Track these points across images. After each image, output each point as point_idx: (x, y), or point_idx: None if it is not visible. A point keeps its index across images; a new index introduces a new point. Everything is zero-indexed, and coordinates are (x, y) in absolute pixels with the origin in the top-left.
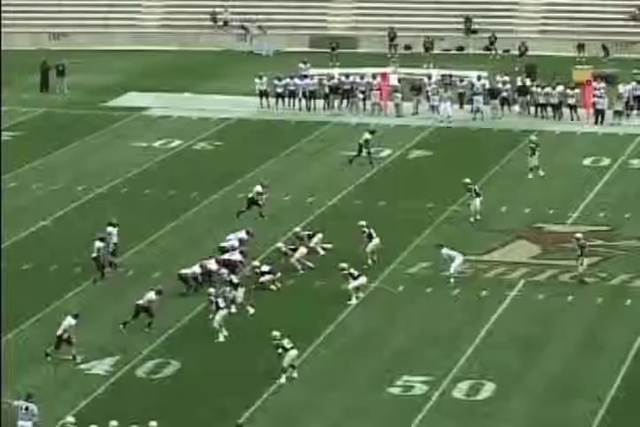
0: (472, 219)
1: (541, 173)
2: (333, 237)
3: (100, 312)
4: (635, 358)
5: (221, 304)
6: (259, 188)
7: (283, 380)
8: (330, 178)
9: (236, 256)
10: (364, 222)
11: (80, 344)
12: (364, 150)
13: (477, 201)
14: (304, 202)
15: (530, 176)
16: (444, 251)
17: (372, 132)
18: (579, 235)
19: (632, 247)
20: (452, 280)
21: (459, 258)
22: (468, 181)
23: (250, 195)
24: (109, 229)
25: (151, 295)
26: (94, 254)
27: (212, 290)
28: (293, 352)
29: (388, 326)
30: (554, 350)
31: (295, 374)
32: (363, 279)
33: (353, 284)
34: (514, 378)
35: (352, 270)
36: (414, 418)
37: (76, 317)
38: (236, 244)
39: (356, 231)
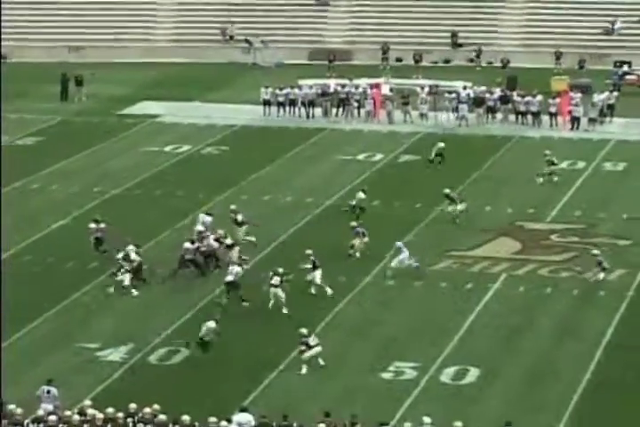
0: (457, 220)
1: (555, 178)
2: (331, 234)
3: (115, 305)
4: (607, 345)
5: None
6: (361, 194)
7: (304, 370)
8: (327, 180)
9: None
10: (354, 223)
11: (96, 334)
12: (439, 157)
13: (460, 207)
14: (304, 202)
15: (540, 180)
16: (399, 243)
17: (443, 141)
18: (595, 251)
19: (605, 244)
20: (388, 272)
21: (404, 254)
22: (447, 191)
23: (353, 202)
24: (93, 225)
25: (238, 270)
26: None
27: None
28: (317, 349)
29: (380, 316)
30: (533, 337)
31: (322, 362)
32: (318, 349)
33: (308, 353)
34: (496, 364)
35: (310, 339)
36: (405, 401)
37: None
38: (202, 228)
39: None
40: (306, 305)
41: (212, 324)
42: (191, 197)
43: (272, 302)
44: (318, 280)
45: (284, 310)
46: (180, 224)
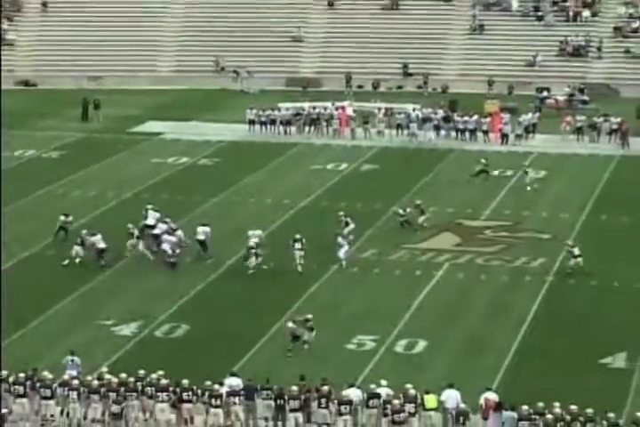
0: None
1: (535, 186)
2: (304, 229)
3: (127, 288)
4: (532, 321)
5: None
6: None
7: (306, 346)
8: (302, 185)
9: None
10: (342, 213)
11: (111, 313)
12: (484, 173)
13: (422, 218)
14: (282, 203)
15: (528, 188)
16: (340, 240)
17: (486, 159)
18: (568, 242)
19: (529, 237)
20: (344, 264)
21: (345, 247)
22: (418, 202)
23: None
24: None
25: (259, 233)
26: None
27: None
28: (314, 333)
29: (345, 297)
30: (470, 315)
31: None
32: (313, 333)
33: (308, 336)
34: (440, 336)
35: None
36: (366, 367)
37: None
38: (153, 222)
39: (322, 225)
40: (284, 288)
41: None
42: (190, 200)
43: (300, 265)
44: (299, 259)
45: (299, 269)
46: (181, 221)
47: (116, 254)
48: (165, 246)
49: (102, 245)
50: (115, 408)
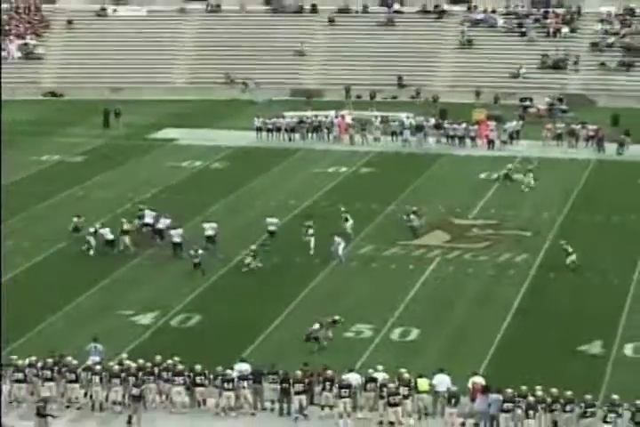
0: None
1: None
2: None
3: (145, 281)
4: (516, 311)
5: None
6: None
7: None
8: (305, 187)
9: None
10: (343, 208)
11: (131, 304)
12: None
13: (417, 221)
14: (287, 204)
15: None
16: (337, 238)
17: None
18: (562, 241)
19: (513, 235)
20: (342, 259)
21: (342, 244)
22: (414, 208)
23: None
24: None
25: (275, 219)
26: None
27: None
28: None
29: (345, 289)
30: (459, 305)
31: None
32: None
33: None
34: (432, 325)
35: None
36: (364, 353)
37: None
38: (151, 220)
39: (323, 222)
40: (289, 281)
41: None
42: (203, 200)
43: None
44: (311, 243)
45: (312, 252)
46: (196, 219)
47: (133, 250)
48: (176, 239)
49: (110, 236)
50: (134, 391)
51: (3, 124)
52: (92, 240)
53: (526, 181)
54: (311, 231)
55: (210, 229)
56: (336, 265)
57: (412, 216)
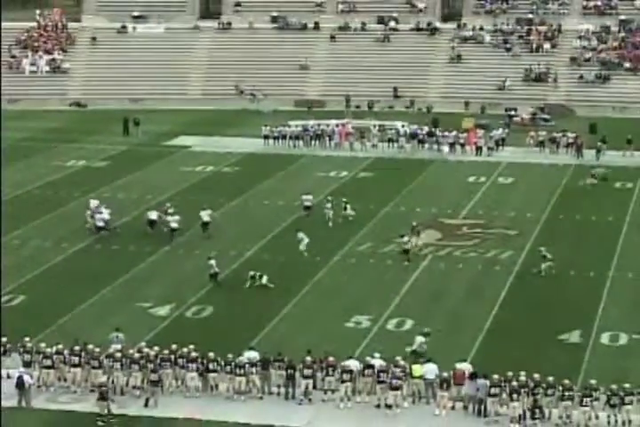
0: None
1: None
2: (311, 226)
3: (162, 276)
4: (502, 303)
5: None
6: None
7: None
8: (309, 189)
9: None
10: (344, 199)
11: (149, 296)
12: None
13: (415, 239)
14: (293, 204)
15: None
16: (300, 234)
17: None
18: (541, 248)
19: (499, 233)
20: (305, 254)
21: (305, 240)
22: (414, 223)
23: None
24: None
25: (310, 197)
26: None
27: None
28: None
29: (346, 283)
30: (450, 298)
31: None
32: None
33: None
34: (425, 317)
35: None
36: (362, 342)
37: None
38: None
39: (326, 222)
40: (293, 276)
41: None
42: (216, 201)
43: (330, 221)
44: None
45: (330, 224)
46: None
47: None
48: (174, 224)
49: (107, 216)
50: (153, 376)
51: (31, 133)
52: (90, 219)
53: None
54: (329, 205)
55: (205, 215)
56: (337, 261)
57: (405, 238)
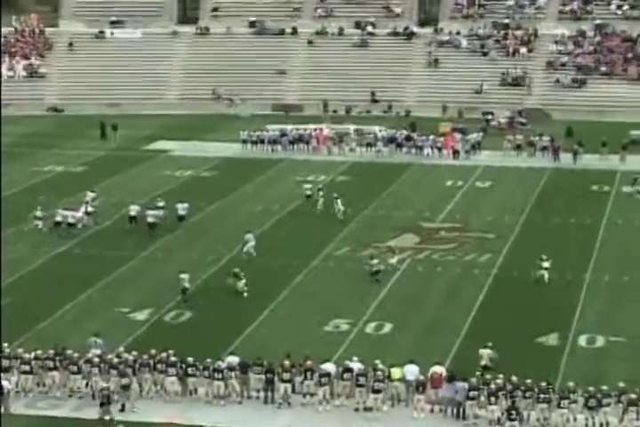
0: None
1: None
2: (291, 230)
3: (139, 281)
4: (480, 306)
5: None
6: None
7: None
8: (287, 193)
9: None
10: (335, 194)
11: (127, 302)
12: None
13: (393, 260)
14: (271, 209)
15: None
16: (249, 235)
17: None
18: (543, 256)
19: (477, 237)
20: (244, 255)
21: (251, 242)
22: (391, 243)
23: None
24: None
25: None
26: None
27: None
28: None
29: (324, 287)
30: (429, 301)
31: None
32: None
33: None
34: (403, 319)
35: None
36: (341, 346)
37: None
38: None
39: (305, 226)
40: (271, 281)
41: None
42: (194, 205)
43: (339, 212)
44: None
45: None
46: (186, 222)
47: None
48: (150, 219)
49: (59, 218)
50: (123, 381)
51: (8, 138)
52: (40, 223)
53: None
54: (338, 202)
55: (181, 209)
56: (316, 265)
57: (374, 261)
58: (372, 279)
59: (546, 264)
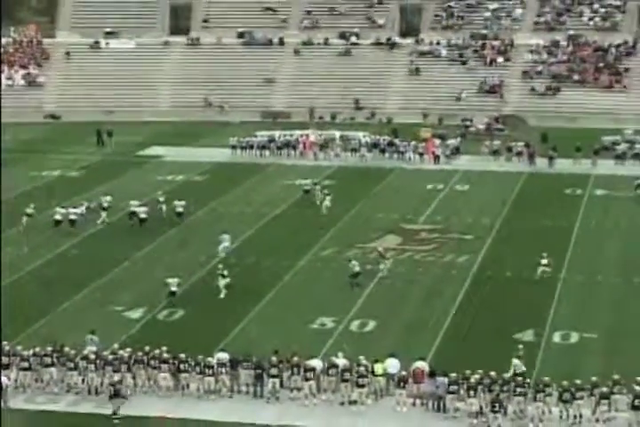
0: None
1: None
2: (277, 231)
3: (134, 281)
4: (459, 304)
5: None
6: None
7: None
8: (276, 197)
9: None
10: (326, 191)
11: (122, 300)
12: None
13: (358, 267)
14: (260, 212)
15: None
16: (225, 236)
17: None
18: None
19: (456, 238)
20: (222, 254)
21: (226, 242)
22: (380, 249)
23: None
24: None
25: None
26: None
27: None
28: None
29: (310, 286)
30: (410, 300)
31: None
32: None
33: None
34: (387, 317)
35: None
36: (327, 343)
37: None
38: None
39: (293, 228)
40: (260, 281)
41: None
42: (186, 209)
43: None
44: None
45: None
46: (179, 224)
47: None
48: (142, 215)
49: (58, 217)
50: (117, 377)
51: (7, 144)
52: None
53: None
54: (328, 198)
55: (179, 206)
56: (303, 266)
57: (353, 262)
58: (352, 281)
59: (544, 261)
